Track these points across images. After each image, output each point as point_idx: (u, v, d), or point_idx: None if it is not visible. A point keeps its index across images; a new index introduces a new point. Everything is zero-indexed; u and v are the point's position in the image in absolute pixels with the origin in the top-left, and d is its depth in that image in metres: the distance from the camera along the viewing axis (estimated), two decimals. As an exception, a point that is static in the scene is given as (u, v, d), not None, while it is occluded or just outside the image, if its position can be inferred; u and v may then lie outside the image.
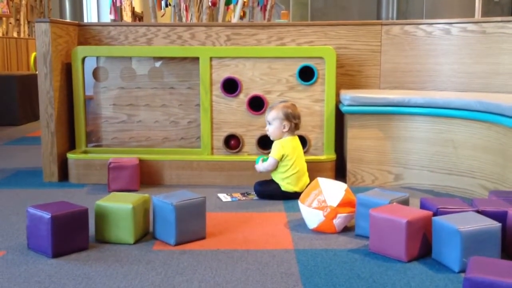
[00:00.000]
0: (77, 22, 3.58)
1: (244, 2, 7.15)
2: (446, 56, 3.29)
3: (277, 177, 2.83)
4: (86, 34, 3.48)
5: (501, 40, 3.11)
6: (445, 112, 2.86)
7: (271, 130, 2.86)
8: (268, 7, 7.02)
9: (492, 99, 2.65)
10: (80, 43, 3.45)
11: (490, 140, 2.68)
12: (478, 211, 2.05)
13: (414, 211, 2.05)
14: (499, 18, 3.19)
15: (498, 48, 3.13)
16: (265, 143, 3.20)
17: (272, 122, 2.84)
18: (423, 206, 2.21)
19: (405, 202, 2.25)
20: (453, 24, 3.26)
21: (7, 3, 7.32)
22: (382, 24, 3.43)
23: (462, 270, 1.85)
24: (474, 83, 3.22)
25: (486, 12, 8.58)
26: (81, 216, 2.07)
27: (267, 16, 7.12)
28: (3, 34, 7.21)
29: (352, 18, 13.05)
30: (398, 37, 3.39)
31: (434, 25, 3.32)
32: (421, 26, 3.35)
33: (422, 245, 2.00)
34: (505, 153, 2.54)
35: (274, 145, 2.85)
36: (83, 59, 3.22)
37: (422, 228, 1.99)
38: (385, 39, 3.41)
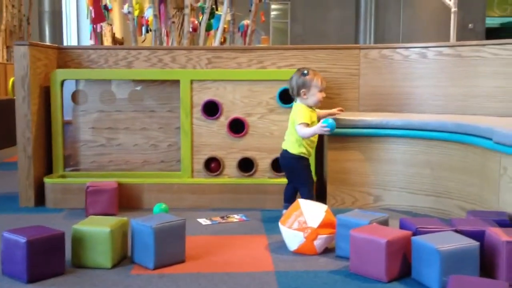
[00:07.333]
0: (56, 45, 3.56)
1: (225, 28, 7.22)
2: (423, 79, 3.34)
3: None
4: (65, 58, 3.47)
5: (477, 63, 3.17)
6: (422, 134, 2.89)
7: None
8: (249, 32, 7.09)
9: (469, 121, 2.69)
10: (60, 66, 3.43)
11: (467, 161, 2.71)
12: (456, 231, 2.07)
13: (394, 231, 2.06)
14: (474, 42, 3.26)
15: (474, 71, 3.18)
16: (245, 166, 3.20)
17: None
18: (402, 226, 2.22)
19: (385, 223, 2.26)
20: (429, 48, 3.33)
21: (-14, 28, 7.29)
22: (360, 48, 3.48)
23: (442, 290, 1.85)
24: (451, 105, 3.27)
25: (460, 39, 8.82)
26: (57, 240, 2.03)
27: (247, 42, 7.19)
28: (-19, 59, 7.15)
29: (331, 44, 13.26)
30: (376, 61, 3.44)
31: (410, 49, 3.38)
32: (398, 50, 3.41)
33: (402, 265, 2.00)
34: (482, 174, 2.57)
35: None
36: (62, 82, 3.20)
37: (402, 248, 2.00)
38: (363, 62, 3.45)
